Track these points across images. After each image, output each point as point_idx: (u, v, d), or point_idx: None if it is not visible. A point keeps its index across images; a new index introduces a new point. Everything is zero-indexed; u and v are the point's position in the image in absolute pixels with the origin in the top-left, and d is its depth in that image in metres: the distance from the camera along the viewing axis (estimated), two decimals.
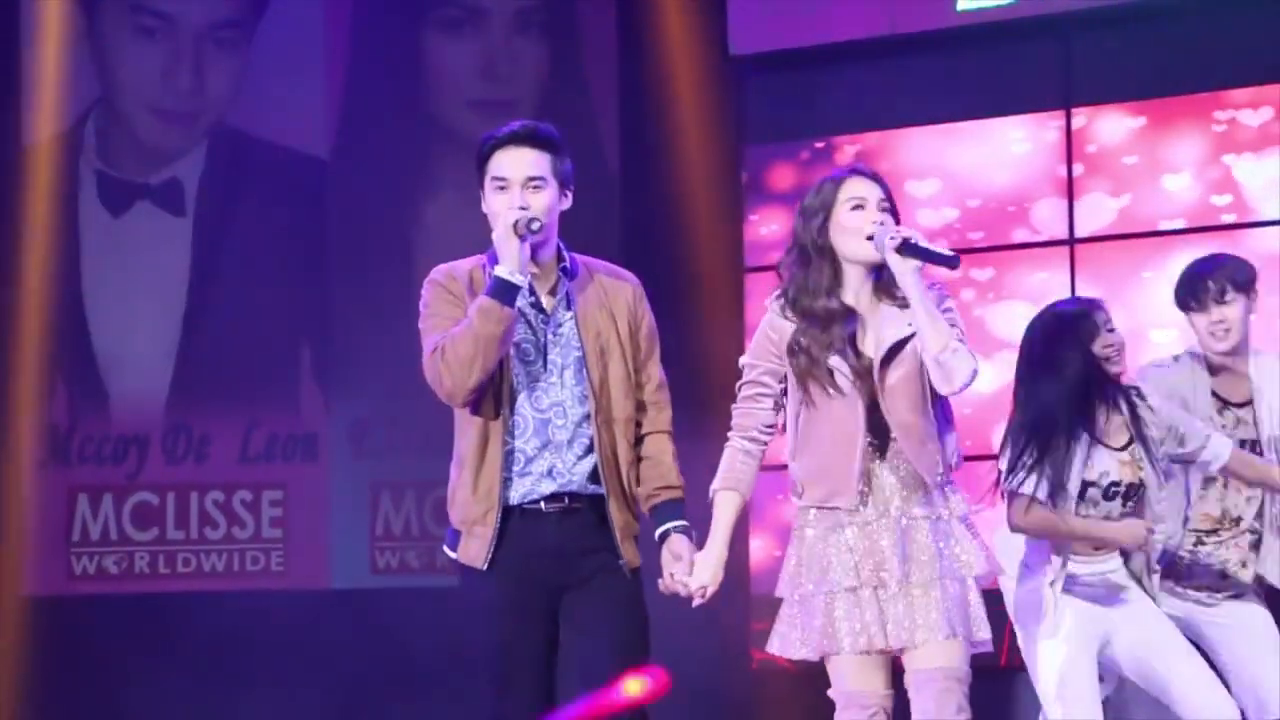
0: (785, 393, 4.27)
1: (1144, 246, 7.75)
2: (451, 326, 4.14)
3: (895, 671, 4.24)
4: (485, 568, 4.16)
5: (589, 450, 4.21)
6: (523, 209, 4.15)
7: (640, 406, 4.31)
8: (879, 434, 4.16)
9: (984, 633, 4.17)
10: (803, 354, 4.19)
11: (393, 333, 8.54)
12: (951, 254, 4.12)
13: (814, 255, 4.22)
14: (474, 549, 4.17)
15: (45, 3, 8.42)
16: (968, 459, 4.41)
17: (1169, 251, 7.54)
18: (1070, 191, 7.90)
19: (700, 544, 4.28)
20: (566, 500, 4.19)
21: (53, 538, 8.20)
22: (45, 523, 8.19)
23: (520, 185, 4.20)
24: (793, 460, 4.26)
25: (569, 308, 4.26)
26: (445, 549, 4.27)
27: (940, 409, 4.19)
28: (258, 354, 8.45)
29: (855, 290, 4.22)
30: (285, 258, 8.59)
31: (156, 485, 8.40)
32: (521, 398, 4.19)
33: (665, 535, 4.27)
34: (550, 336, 4.23)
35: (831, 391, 4.16)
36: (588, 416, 4.21)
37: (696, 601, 4.25)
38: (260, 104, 8.63)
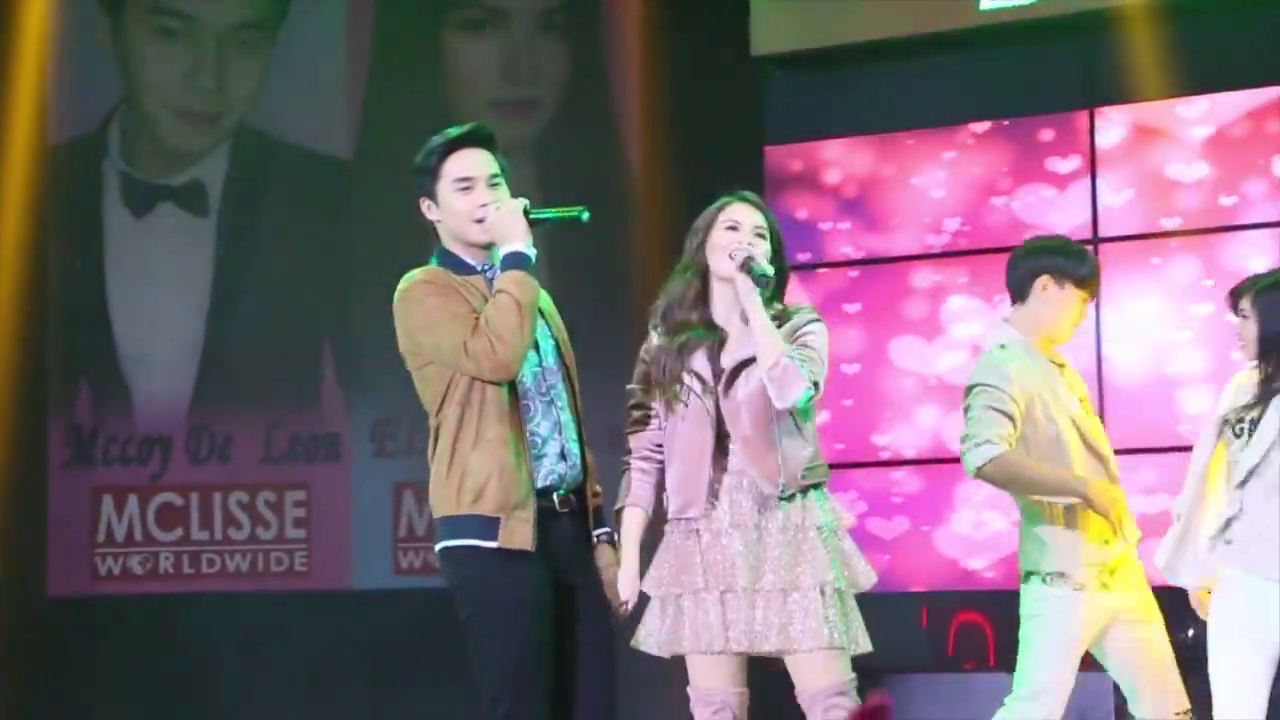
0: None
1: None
2: (467, 312, 4.20)
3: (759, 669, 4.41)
4: (534, 548, 4.16)
5: (578, 435, 4.32)
6: (497, 203, 4.28)
7: None
8: (726, 447, 4.37)
9: (828, 639, 4.28)
10: (659, 370, 4.41)
11: None
12: (767, 276, 4.29)
13: (688, 271, 4.45)
14: (521, 532, 4.16)
15: (70, 5, 8.45)
16: None
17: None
18: (1094, 189, 7.89)
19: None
20: (572, 500, 4.28)
21: (77, 539, 8.22)
22: (70, 524, 8.21)
23: (485, 182, 4.31)
24: (667, 470, 4.46)
25: (541, 316, 4.35)
26: (465, 542, 4.19)
27: (792, 424, 4.35)
28: (280, 355, 8.46)
29: (726, 309, 4.44)
30: (307, 259, 8.60)
31: (180, 486, 8.42)
32: (530, 383, 4.27)
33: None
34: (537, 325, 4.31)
35: (682, 406, 4.39)
36: (571, 404, 4.33)
37: (622, 614, 4.38)
38: (282, 105, 8.65)
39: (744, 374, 4.35)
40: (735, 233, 4.41)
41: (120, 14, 8.59)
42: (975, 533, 8.01)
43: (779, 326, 4.34)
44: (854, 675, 4.35)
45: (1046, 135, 8.03)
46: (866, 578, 4.44)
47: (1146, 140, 7.84)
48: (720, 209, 4.48)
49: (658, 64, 8.54)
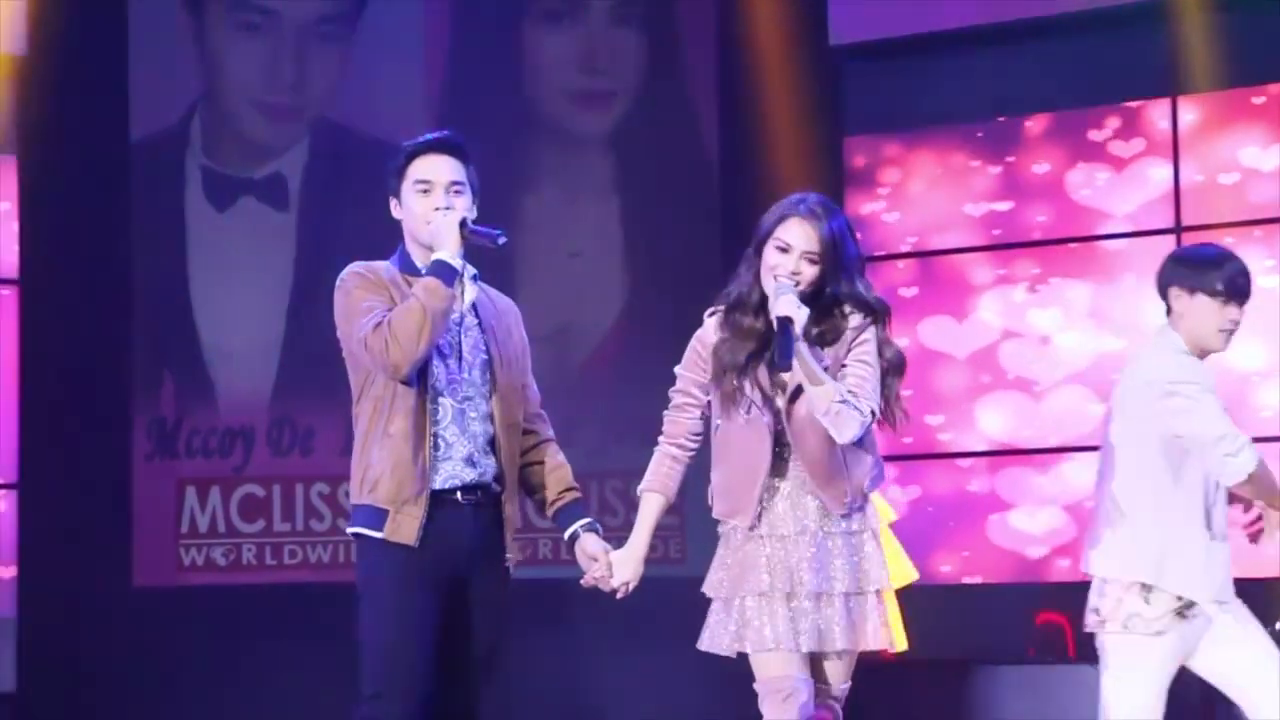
0: (710, 404, 4.47)
1: None
2: (383, 308, 4.34)
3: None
4: (416, 544, 4.29)
5: (492, 447, 4.42)
6: (447, 209, 4.40)
7: (528, 421, 4.54)
8: (785, 456, 4.36)
9: (875, 642, 4.38)
10: (721, 369, 4.39)
11: None
12: (791, 344, 4.18)
13: (751, 275, 4.40)
14: (406, 527, 4.31)
15: (151, 1, 8.51)
16: None
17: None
18: (1177, 179, 7.83)
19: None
20: (479, 495, 4.38)
21: (161, 530, 8.28)
22: (154, 516, 8.27)
23: (444, 188, 4.44)
24: (712, 471, 4.46)
25: (476, 315, 4.49)
26: (357, 529, 4.37)
27: (854, 444, 4.34)
28: None
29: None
30: (386, 251, 8.62)
31: (263, 478, 8.47)
32: (443, 386, 4.37)
33: (574, 536, 4.53)
34: (462, 337, 4.44)
35: (741, 411, 4.37)
36: (490, 417, 4.42)
37: (620, 595, 4.49)
38: (362, 97, 8.68)
39: (804, 396, 4.30)
40: (785, 255, 4.32)
41: (201, 9, 8.64)
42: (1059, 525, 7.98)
43: (829, 342, 4.32)
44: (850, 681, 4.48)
45: (1121, 123, 7.98)
46: (908, 576, 4.50)
47: (1221, 128, 7.78)
48: (778, 222, 4.36)
49: (735, 54, 8.52)
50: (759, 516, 4.36)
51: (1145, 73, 7.88)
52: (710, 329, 4.46)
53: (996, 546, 8.10)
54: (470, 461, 4.36)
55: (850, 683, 4.48)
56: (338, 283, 4.45)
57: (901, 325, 8.22)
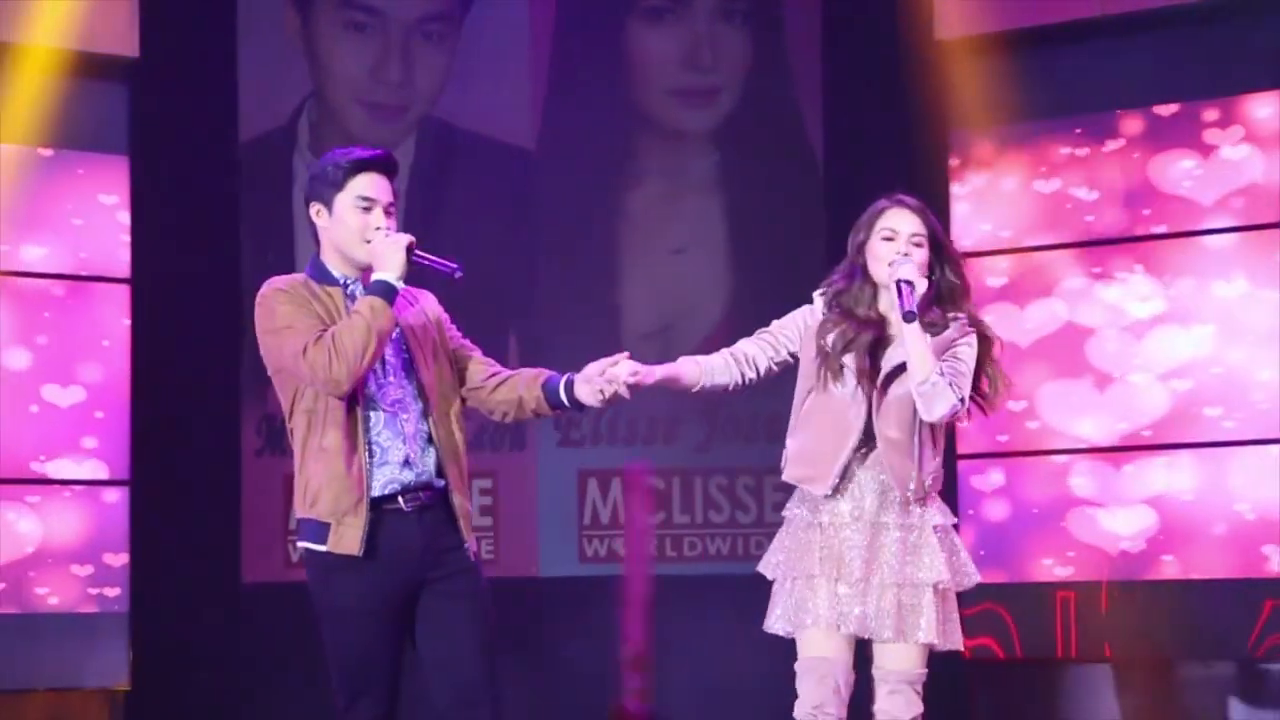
0: (779, 364, 4.63)
1: None
2: (314, 324, 4.36)
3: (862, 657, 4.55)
4: (361, 553, 4.32)
5: (429, 443, 4.44)
6: (388, 229, 4.46)
7: (476, 374, 4.62)
8: (867, 439, 4.50)
9: (926, 636, 4.49)
10: (828, 340, 4.52)
11: (598, 320, 8.61)
12: (909, 312, 4.35)
13: (857, 271, 4.58)
14: (349, 537, 4.34)
15: (259, 1, 8.58)
16: None
17: None
18: None
19: None
20: (421, 495, 4.40)
21: (270, 527, 8.35)
22: (262, 512, 8.34)
23: (384, 207, 4.49)
24: (790, 436, 4.60)
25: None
26: (304, 545, 4.40)
27: (929, 434, 4.52)
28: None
29: (889, 306, 4.53)
30: (492, 248, 8.67)
31: None
32: (372, 393, 4.41)
33: (569, 384, 4.58)
34: None
35: (839, 385, 4.50)
36: (423, 413, 4.45)
37: (624, 392, 4.54)
38: (467, 96, 8.71)
39: (900, 378, 4.47)
40: (891, 242, 4.51)
41: (309, 9, 8.70)
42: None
43: (935, 334, 4.47)
44: (926, 670, 4.54)
45: (1221, 115, 7.89)
46: (971, 578, 4.60)
47: None
48: (879, 214, 4.57)
49: (840, 50, 8.49)
50: (832, 489, 4.47)
51: (1249, 65, 7.79)
52: (818, 306, 4.61)
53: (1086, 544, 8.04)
54: (407, 463, 4.40)
55: (925, 670, 4.53)
56: (259, 299, 4.46)
57: (1000, 320, 8.18)
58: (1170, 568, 7.82)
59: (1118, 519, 7.96)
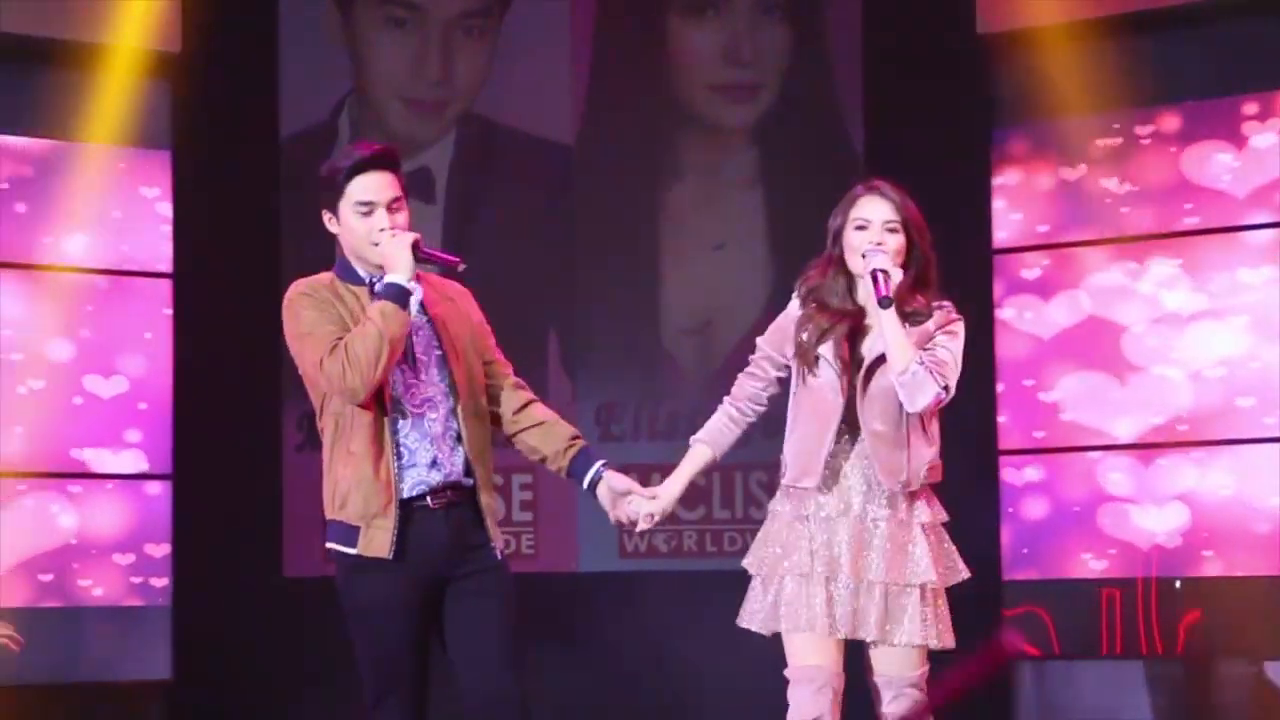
0: (780, 381, 4.60)
1: None
2: (334, 329, 4.36)
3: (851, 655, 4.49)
4: (391, 556, 4.34)
5: (458, 442, 4.44)
6: (394, 229, 4.40)
7: (504, 391, 4.61)
8: (853, 432, 4.44)
9: (918, 638, 4.42)
10: (804, 334, 4.49)
11: (638, 318, 8.62)
12: (884, 299, 4.32)
13: (833, 261, 4.54)
14: (379, 540, 4.35)
15: None
16: None
17: None
18: None
19: None
20: (449, 494, 4.40)
21: (311, 520, 8.35)
22: (303, 506, 8.35)
23: (385, 207, 4.42)
24: (786, 440, 4.55)
25: (423, 311, 4.48)
26: (335, 547, 4.44)
27: (919, 424, 4.43)
28: (506, 340, 8.50)
29: (866, 295, 4.47)
30: (532, 244, 8.68)
31: None
32: (399, 395, 4.41)
33: (597, 478, 4.56)
34: (414, 338, 4.45)
35: (816, 376, 4.45)
36: (453, 410, 4.44)
37: (643, 526, 4.57)
38: (507, 92, 8.72)
39: (881, 368, 4.41)
40: (864, 231, 4.45)
41: (349, 5, 8.72)
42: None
43: (917, 323, 4.41)
44: (928, 667, 4.47)
45: (1260, 109, 7.84)
46: (960, 574, 4.52)
47: None
48: (853, 202, 4.52)
49: (881, 44, 8.47)
50: (820, 481, 4.41)
51: None
52: (795, 305, 4.58)
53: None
54: (434, 465, 4.40)
55: (926, 668, 4.47)
56: (285, 302, 4.48)
57: (1036, 316, 8.15)
58: (1211, 564, 7.79)
59: (1156, 515, 7.93)
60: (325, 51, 8.71)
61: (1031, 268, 8.18)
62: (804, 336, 4.48)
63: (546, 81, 8.72)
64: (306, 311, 4.43)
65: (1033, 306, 8.16)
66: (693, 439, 4.67)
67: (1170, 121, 8.01)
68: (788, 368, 4.57)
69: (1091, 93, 8.03)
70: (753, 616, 4.52)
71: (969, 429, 7.95)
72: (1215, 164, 7.90)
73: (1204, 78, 7.91)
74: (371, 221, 4.42)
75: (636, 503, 4.55)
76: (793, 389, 4.54)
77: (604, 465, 4.58)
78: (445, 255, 4.48)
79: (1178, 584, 7.83)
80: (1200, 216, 7.91)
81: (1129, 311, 8.03)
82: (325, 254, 8.83)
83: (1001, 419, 8.18)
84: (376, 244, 4.41)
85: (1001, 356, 8.18)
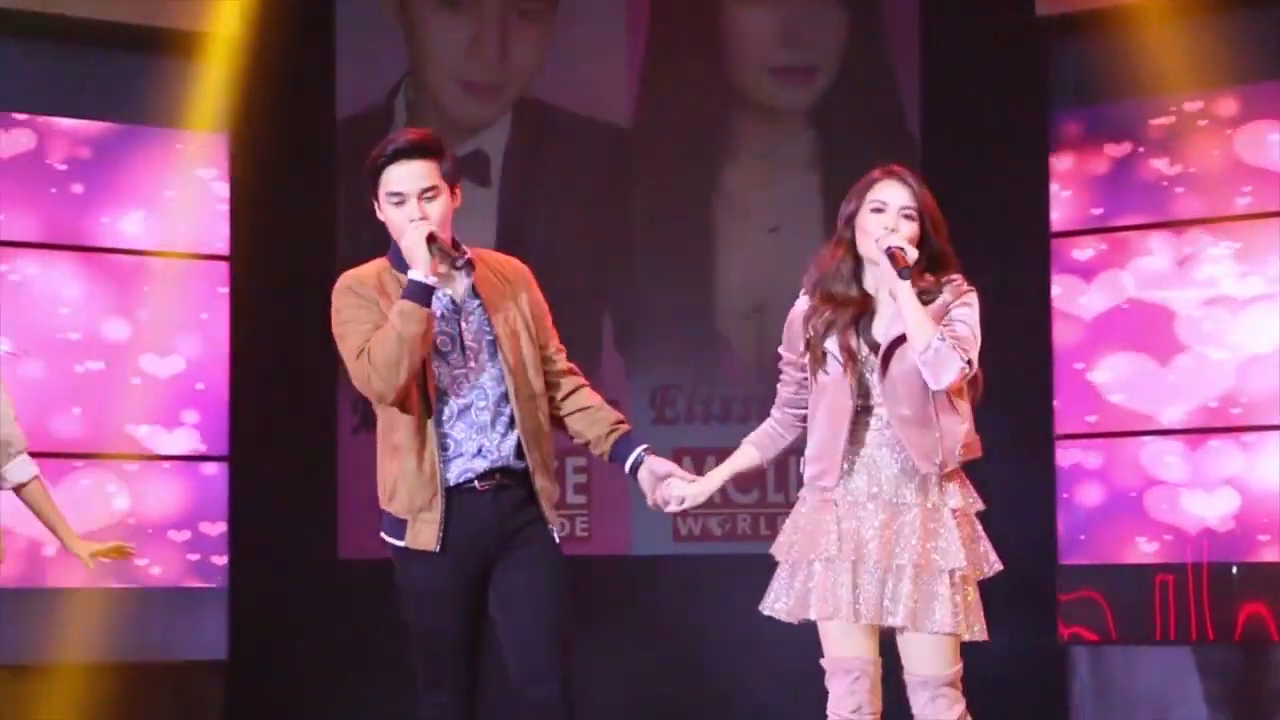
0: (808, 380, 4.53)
1: None
2: (369, 329, 4.38)
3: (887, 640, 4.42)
4: (438, 549, 4.38)
5: (510, 427, 4.45)
6: (423, 219, 4.40)
7: (555, 377, 4.61)
8: (876, 419, 4.38)
9: (947, 626, 4.31)
10: (811, 334, 4.44)
11: (692, 300, 8.61)
12: (909, 270, 4.27)
13: (841, 244, 4.47)
14: (425, 534, 4.40)
15: None
16: None
17: None
18: None
19: None
20: (498, 477, 4.42)
21: (366, 502, 8.37)
22: (358, 489, 8.37)
23: (416, 197, 4.42)
24: (809, 437, 4.50)
25: (475, 297, 4.49)
26: (386, 539, 4.49)
27: (948, 402, 4.34)
28: (560, 323, 8.54)
29: (876, 282, 4.43)
30: (588, 227, 8.68)
31: None
32: (444, 386, 4.42)
33: (638, 462, 4.59)
34: (463, 325, 4.46)
35: (827, 373, 4.40)
36: (505, 396, 4.45)
37: (672, 509, 4.59)
38: (563, 75, 8.71)
39: (898, 351, 4.34)
40: (881, 214, 4.38)
41: None
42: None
43: (929, 301, 4.34)
44: (961, 664, 4.37)
45: None
46: (992, 566, 4.44)
47: None
48: (870, 185, 4.46)
49: (938, 26, 8.43)
50: (840, 478, 4.37)
51: None
52: (801, 305, 4.52)
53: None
54: (479, 452, 4.42)
55: (960, 666, 4.37)
56: (332, 294, 4.53)
57: (1092, 298, 8.11)
58: (1268, 550, 7.74)
59: (1208, 501, 7.88)
60: (381, 34, 8.72)
61: (1086, 250, 8.14)
62: (811, 330, 4.44)
63: (602, 64, 8.71)
64: (344, 310, 4.48)
65: (1087, 290, 8.12)
66: (745, 440, 4.65)
67: (1227, 104, 7.95)
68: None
69: (1149, 75, 7.98)
70: (776, 604, 4.47)
71: (1024, 413, 7.95)
72: (1271, 146, 7.83)
73: (1261, 60, 7.84)
74: (403, 212, 4.44)
75: (673, 485, 4.55)
76: (811, 388, 4.49)
77: (646, 450, 4.59)
78: (453, 250, 4.46)
79: (1234, 569, 7.78)
80: (1256, 199, 7.85)
81: (1183, 295, 7.98)
82: (382, 237, 8.87)
83: (1056, 403, 8.15)
84: (405, 236, 4.43)
85: (1056, 341, 8.14)
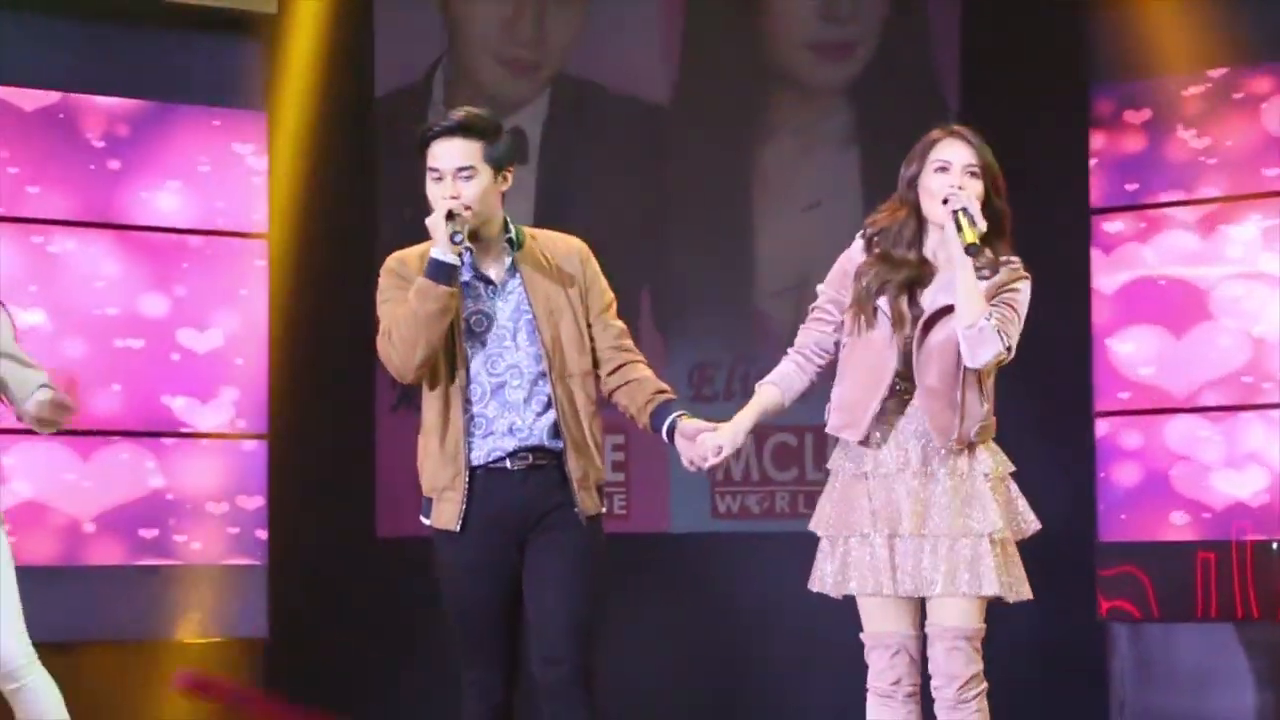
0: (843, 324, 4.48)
1: None
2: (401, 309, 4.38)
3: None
4: (459, 529, 4.39)
5: (547, 407, 4.43)
6: (454, 197, 4.40)
7: (604, 354, 4.57)
8: (908, 386, 4.35)
9: (990, 588, 4.30)
10: (861, 285, 4.39)
11: (731, 278, 8.60)
12: (971, 245, 4.22)
13: (904, 206, 4.42)
14: (446, 513, 4.42)
15: None
16: None
17: None
18: None
19: None
20: (530, 457, 4.41)
21: (405, 480, 8.38)
22: (397, 466, 8.38)
23: (452, 174, 4.43)
24: (835, 386, 4.47)
25: (515, 276, 4.48)
26: (421, 518, 4.53)
27: (975, 381, 4.32)
28: None
29: (934, 247, 4.40)
30: (625, 204, 8.66)
31: None
32: (477, 365, 4.43)
33: (672, 426, 4.51)
34: (500, 305, 4.46)
35: (872, 330, 4.36)
36: (543, 374, 4.43)
37: (711, 461, 4.46)
38: (601, 52, 8.70)
39: (941, 322, 4.32)
40: (945, 174, 4.35)
41: None
42: None
43: (985, 278, 4.30)
44: (984, 625, 4.36)
45: None
46: (1030, 526, 4.42)
47: None
48: (932, 145, 4.43)
49: (977, 2, 8.39)
50: (868, 437, 4.34)
51: None
52: (858, 248, 4.48)
53: None
54: (511, 431, 4.41)
55: (984, 625, 4.37)
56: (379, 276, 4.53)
57: (1131, 277, 8.07)
58: None
59: (1247, 479, 7.84)
60: (419, 12, 8.71)
61: (1124, 227, 8.09)
62: (864, 284, 4.40)
63: (640, 41, 8.70)
64: (384, 290, 4.51)
65: (1125, 267, 8.08)
66: (763, 381, 4.56)
67: (1266, 81, 7.89)
68: None
69: (1188, 51, 7.93)
70: (822, 580, 4.46)
71: (1062, 390, 7.93)
72: None
73: None
74: (439, 189, 4.46)
75: (704, 439, 4.48)
76: (844, 337, 4.45)
77: (680, 415, 4.54)
78: (459, 230, 4.40)
79: (1275, 546, 7.74)
80: None
81: (1222, 271, 7.93)
82: (420, 214, 8.86)
83: (1094, 380, 8.12)
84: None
85: (1095, 318, 8.10)
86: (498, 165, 4.51)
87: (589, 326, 4.57)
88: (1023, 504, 4.42)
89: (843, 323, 4.47)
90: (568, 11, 8.76)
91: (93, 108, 8.02)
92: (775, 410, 4.56)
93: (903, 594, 4.34)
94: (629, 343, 4.65)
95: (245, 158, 8.27)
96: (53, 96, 7.94)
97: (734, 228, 8.67)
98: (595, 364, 4.57)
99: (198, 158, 8.17)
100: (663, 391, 4.59)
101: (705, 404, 8.44)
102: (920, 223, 4.40)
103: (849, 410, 4.40)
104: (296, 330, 8.24)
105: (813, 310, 4.55)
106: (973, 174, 4.35)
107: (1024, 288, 4.37)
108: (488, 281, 4.50)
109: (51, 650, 5.61)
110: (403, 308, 4.37)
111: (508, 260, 4.50)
